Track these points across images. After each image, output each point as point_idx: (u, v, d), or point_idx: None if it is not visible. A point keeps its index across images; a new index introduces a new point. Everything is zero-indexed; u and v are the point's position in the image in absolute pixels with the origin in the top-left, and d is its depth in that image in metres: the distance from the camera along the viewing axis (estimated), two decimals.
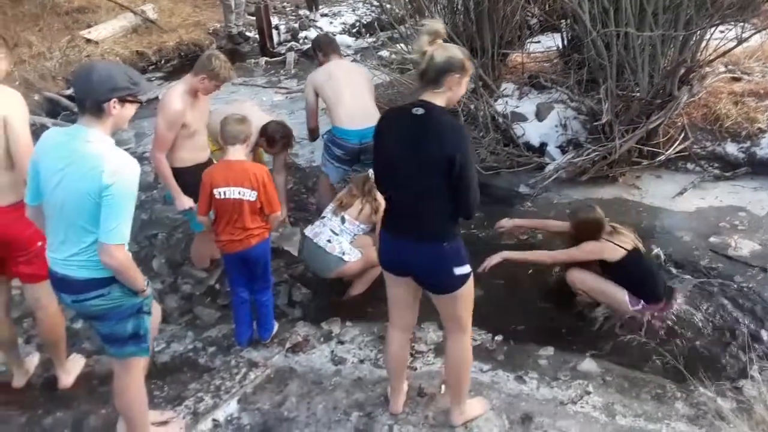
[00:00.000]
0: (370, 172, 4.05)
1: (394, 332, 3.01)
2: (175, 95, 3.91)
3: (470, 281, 2.77)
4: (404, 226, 2.71)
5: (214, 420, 3.15)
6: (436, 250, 2.66)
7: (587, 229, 3.94)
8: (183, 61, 9.24)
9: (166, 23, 10.06)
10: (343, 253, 3.98)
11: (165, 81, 8.84)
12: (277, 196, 3.53)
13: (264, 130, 4.46)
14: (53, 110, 7.41)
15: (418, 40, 2.54)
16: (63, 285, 2.55)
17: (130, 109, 2.48)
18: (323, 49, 4.82)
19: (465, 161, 2.50)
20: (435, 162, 2.51)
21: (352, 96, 4.58)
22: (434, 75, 2.52)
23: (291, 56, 9.46)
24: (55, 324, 3.28)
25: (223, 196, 3.40)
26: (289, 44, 10.00)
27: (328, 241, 3.98)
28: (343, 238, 4.01)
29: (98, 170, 2.32)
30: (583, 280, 3.96)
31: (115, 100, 2.38)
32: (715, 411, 2.88)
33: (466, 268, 2.71)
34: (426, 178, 2.57)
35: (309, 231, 4.11)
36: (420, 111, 2.54)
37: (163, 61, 9.40)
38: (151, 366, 3.58)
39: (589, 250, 3.89)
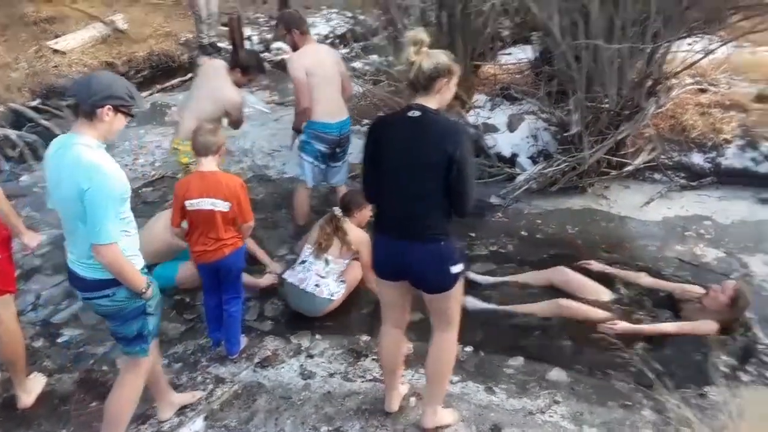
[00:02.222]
0: (336, 209, 4.13)
1: (387, 328, 3.04)
2: None
3: (462, 279, 2.82)
4: (403, 228, 2.73)
5: None
6: (435, 250, 2.71)
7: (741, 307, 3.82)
8: (154, 72, 9.15)
9: (137, 33, 9.94)
10: (332, 294, 4.02)
11: None
12: (249, 206, 3.50)
13: (236, 61, 4.62)
14: (18, 122, 7.26)
15: (404, 50, 2.63)
16: (76, 281, 2.70)
17: (122, 121, 2.57)
18: (299, 26, 4.73)
19: (464, 158, 2.58)
20: (435, 161, 2.57)
21: (333, 90, 4.73)
22: (424, 82, 2.62)
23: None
24: (13, 341, 3.21)
25: (195, 207, 3.37)
26: (261, 55, 9.95)
27: (316, 285, 3.98)
28: (330, 279, 4.03)
29: (76, 174, 2.43)
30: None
31: (109, 107, 2.48)
32: (680, 418, 2.89)
33: (460, 266, 2.77)
34: (426, 178, 2.62)
35: (292, 277, 4.06)
36: (416, 113, 2.63)
37: (133, 72, 9.27)
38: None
39: (707, 329, 3.76)
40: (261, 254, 4.57)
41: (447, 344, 2.93)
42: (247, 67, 4.62)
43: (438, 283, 2.78)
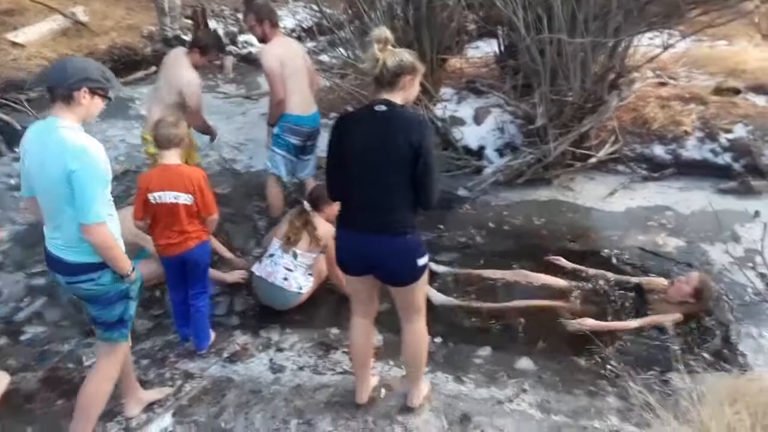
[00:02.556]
0: (306, 204, 4.14)
1: (357, 319, 3.07)
2: None
3: (427, 270, 2.88)
4: (370, 221, 2.75)
5: None
6: (402, 243, 2.75)
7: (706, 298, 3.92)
8: (116, 65, 8.95)
9: (98, 26, 9.71)
10: (300, 288, 4.02)
11: None
12: (212, 198, 3.47)
13: (196, 41, 4.64)
14: None
15: (369, 48, 2.70)
16: (57, 266, 2.69)
17: (99, 104, 2.60)
18: (271, 17, 4.66)
19: (429, 150, 2.65)
20: (402, 153, 2.62)
21: (304, 83, 4.76)
22: (389, 78, 2.68)
23: (229, 60, 9.29)
24: None
25: (158, 201, 3.34)
26: (227, 48, 9.83)
27: (285, 278, 3.98)
28: (298, 272, 4.02)
29: (63, 156, 2.45)
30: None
31: (85, 89, 2.52)
32: (644, 403, 2.97)
33: (426, 258, 2.83)
34: (393, 171, 2.67)
35: (260, 270, 4.06)
36: (382, 108, 2.69)
37: None
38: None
39: (672, 320, 3.85)
40: (223, 250, 4.51)
41: (418, 334, 3.00)
42: (204, 46, 4.55)
43: (405, 276, 2.82)
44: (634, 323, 3.85)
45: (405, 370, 3.21)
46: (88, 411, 2.89)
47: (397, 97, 2.72)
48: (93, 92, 2.56)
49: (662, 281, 4.09)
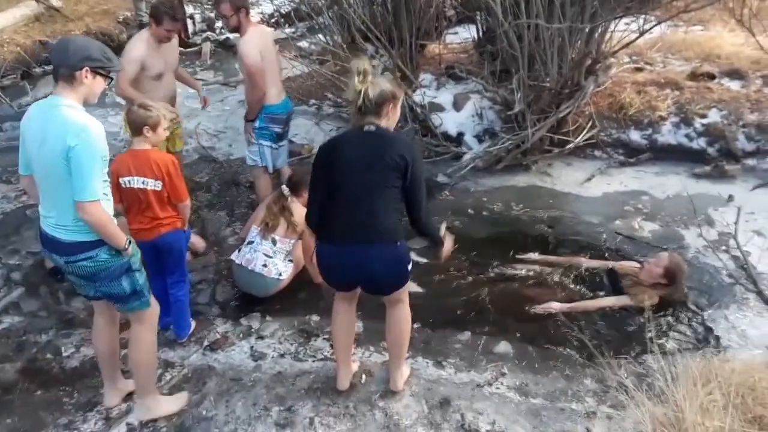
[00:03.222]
0: (284, 188, 4.13)
1: (340, 305, 3.14)
2: None
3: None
4: (362, 231, 2.81)
5: (128, 424, 3.06)
6: (393, 252, 2.85)
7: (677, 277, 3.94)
8: None
9: (72, 11, 9.57)
10: (280, 274, 4.02)
11: None
12: (184, 185, 3.45)
13: (150, 11, 4.46)
14: None
15: (350, 81, 2.83)
16: (53, 246, 2.70)
17: (101, 83, 2.65)
18: (246, 6, 4.54)
19: (417, 166, 2.80)
20: (392, 166, 2.75)
21: (277, 73, 4.75)
22: (372, 107, 2.81)
23: (207, 47, 9.21)
24: None
25: (128, 185, 3.33)
26: (205, 34, 9.73)
27: (264, 265, 3.98)
28: (277, 258, 4.02)
29: (63, 133, 2.48)
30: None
31: (87, 69, 2.55)
32: (619, 385, 3.03)
33: (412, 263, 2.94)
34: (384, 182, 2.77)
35: (239, 258, 4.05)
36: (371, 128, 2.82)
37: None
38: (60, 372, 3.47)
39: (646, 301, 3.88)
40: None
41: (403, 315, 3.10)
42: (155, 14, 4.35)
43: (395, 284, 2.95)
44: (603, 302, 3.92)
45: (388, 353, 3.26)
46: (139, 377, 3.02)
47: (381, 123, 2.85)
48: (95, 72, 2.59)
49: (634, 265, 4.16)
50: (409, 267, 2.92)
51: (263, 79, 4.50)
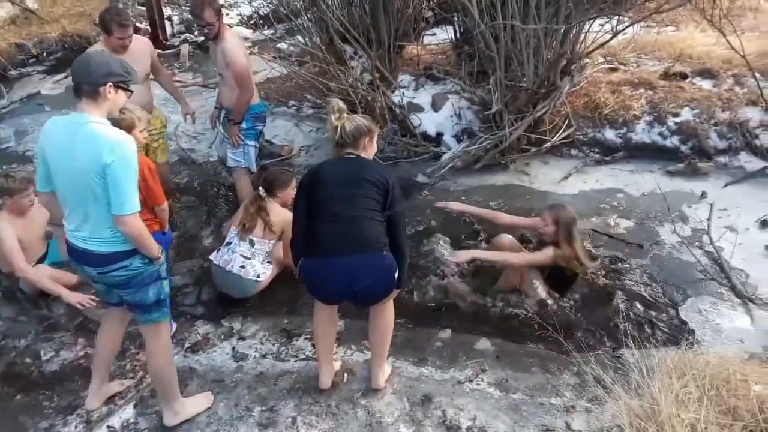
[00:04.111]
0: (261, 189, 4.15)
1: (322, 305, 3.18)
2: None
3: None
4: (347, 242, 2.88)
5: (109, 427, 3.07)
6: (380, 262, 2.92)
7: (568, 228, 3.95)
8: (67, 54, 8.73)
9: (48, 13, 9.46)
10: (258, 276, 4.02)
11: (47, 75, 8.33)
12: (160, 189, 3.44)
13: (100, 22, 4.30)
14: None
15: (328, 118, 3.09)
16: (86, 259, 2.74)
17: (122, 96, 2.70)
18: (221, 11, 4.49)
19: (398, 192, 2.98)
20: (373, 181, 2.92)
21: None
22: (350, 141, 3.04)
23: (185, 48, 9.15)
24: None
25: None
26: (183, 36, 9.67)
27: (242, 266, 3.98)
28: (256, 260, 4.03)
29: (98, 149, 2.51)
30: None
31: (110, 84, 2.60)
32: (597, 379, 3.09)
33: (397, 270, 2.99)
34: (365, 193, 2.91)
35: (217, 259, 4.06)
36: (352, 155, 3.05)
37: (45, 54, 8.83)
38: (39, 376, 3.45)
39: (552, 255, 3.92)
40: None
41: (388, 314, 3.16)
42: (104, 25, 4.19)
43: (384, 295, 3.03)
44: (509, 256, 4.02)
45: (371, 351, 3.30)
46: (161, 384, 3.05)
47: (360, 154, 3.06)
48: (116, 86, 2.64)
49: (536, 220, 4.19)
50: (396, 274, 2.96)
51: (252, 80, 4.51)
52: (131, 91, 2.77)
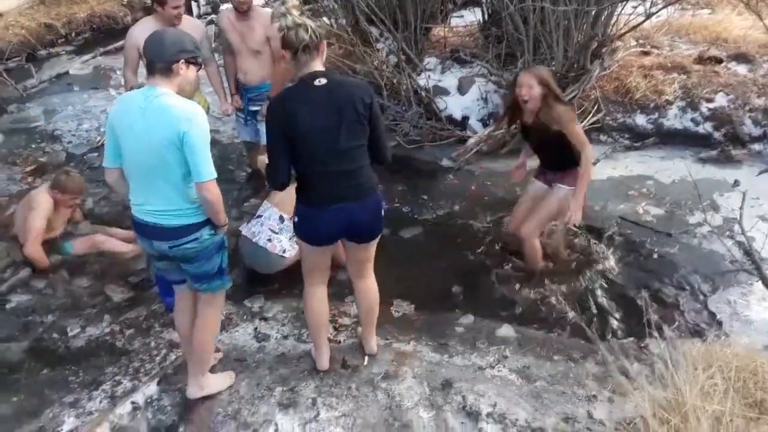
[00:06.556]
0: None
1: (313, 288, 3.16)
2: None
3: None
4: (347, 190, 2.83)
5: (133, 402, 3.09)
6: (375, 201, 2.91)
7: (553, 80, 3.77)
8: (95, 35, 8.81)
9: None
10: (284, 251, 3.99)
11: (76, 55, 8.42)
12: None
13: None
14: None
15: (283, 20, 2.66)
16: (158, 233, 2.75)
17: (193, 72, 2.74)
18: None
19: (376, 106, 2.80)
20: (356, 117, 2.72)
21: None
22: (317, 41, 2.69)
23: (211, 29, 9.16)
24: None
25: None
26: (209, 17, 9.68)
27: (269, 240, 3.97)
28: (283, 235, 4.01)
29: (174, 120, 2.55)
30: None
31: (183, 60, 2.65)
32: (620, 369, 3.04)
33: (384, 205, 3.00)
34: (352, 137, 2.75)
35: (246, 230, 4.07)
36: (322, 81, 2.71)
37: (73, 34, 8.92)
38: (65, 351, 3.51)
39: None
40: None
41: (373, 285, 3.21)
42: None
43: (377, 231, 3.02)
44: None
45: (363, 321, 3.32)
46: (201, 356, 3.05)
47: (321, 66, 2.75)
48: (188, 62, 2.69)
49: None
50: (383, 211, 2.98)
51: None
52: (200, 65, 2.81)
